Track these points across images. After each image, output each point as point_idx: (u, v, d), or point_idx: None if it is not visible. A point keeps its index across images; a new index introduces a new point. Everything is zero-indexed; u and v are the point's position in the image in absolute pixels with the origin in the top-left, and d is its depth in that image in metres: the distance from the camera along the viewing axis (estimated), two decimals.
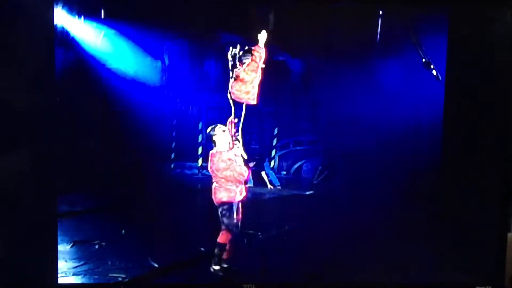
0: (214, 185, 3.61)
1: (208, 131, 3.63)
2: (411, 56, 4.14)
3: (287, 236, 4.09)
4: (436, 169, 3.97)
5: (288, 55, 4.65)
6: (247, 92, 3.56)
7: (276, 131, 4.85)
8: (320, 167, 4.87)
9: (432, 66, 4.13)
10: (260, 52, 3.47)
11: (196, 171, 4.58)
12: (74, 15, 4.10)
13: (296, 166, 4.98)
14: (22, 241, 3.30)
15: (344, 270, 3.64)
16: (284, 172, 4.96)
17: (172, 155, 4.72)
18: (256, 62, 3.48)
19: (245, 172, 3.60)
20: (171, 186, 4.54)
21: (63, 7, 3.80)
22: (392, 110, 4.31)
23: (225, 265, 3.63)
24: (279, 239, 4.06)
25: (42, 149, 3.41)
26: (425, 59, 4.11)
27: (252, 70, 3.51)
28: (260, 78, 3.57)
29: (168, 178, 4.61)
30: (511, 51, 3.54)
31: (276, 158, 4.92)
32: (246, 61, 3.52)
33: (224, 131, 3.59)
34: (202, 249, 3.76)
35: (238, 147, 3.63)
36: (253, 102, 3.59)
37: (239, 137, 3.65)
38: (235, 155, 3.60)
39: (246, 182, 3.69)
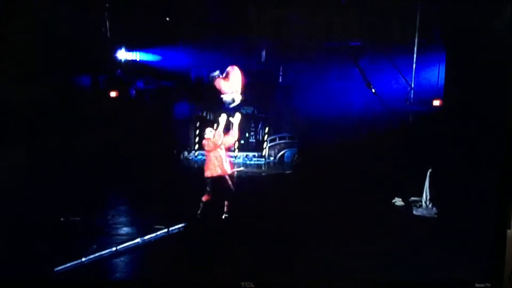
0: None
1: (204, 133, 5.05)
2: (358, 78, 5.83)
3: (267, 203, 5.26)
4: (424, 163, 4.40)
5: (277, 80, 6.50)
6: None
7: (266, 129, 6.51)
8: (296, 155, 6.45)
9: (371, 86, 5.86)
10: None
11: None
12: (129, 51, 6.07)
13: (280, 154, 6.59)
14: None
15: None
16: (272, 158, 6.55)
17: (196, 146, 6.46)
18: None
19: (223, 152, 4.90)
20: (194, 166, 6.20)
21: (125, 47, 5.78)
22: (345, 114, 5.83)
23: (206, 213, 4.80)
24: (262, 205, 5.20)
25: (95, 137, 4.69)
26: (366, 81, 5.82)
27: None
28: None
29: (192, 161, 6.30)
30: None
31: (267, 148, 6.55)
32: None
33: (210, 131, 4.94)
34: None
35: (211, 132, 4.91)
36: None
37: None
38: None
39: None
